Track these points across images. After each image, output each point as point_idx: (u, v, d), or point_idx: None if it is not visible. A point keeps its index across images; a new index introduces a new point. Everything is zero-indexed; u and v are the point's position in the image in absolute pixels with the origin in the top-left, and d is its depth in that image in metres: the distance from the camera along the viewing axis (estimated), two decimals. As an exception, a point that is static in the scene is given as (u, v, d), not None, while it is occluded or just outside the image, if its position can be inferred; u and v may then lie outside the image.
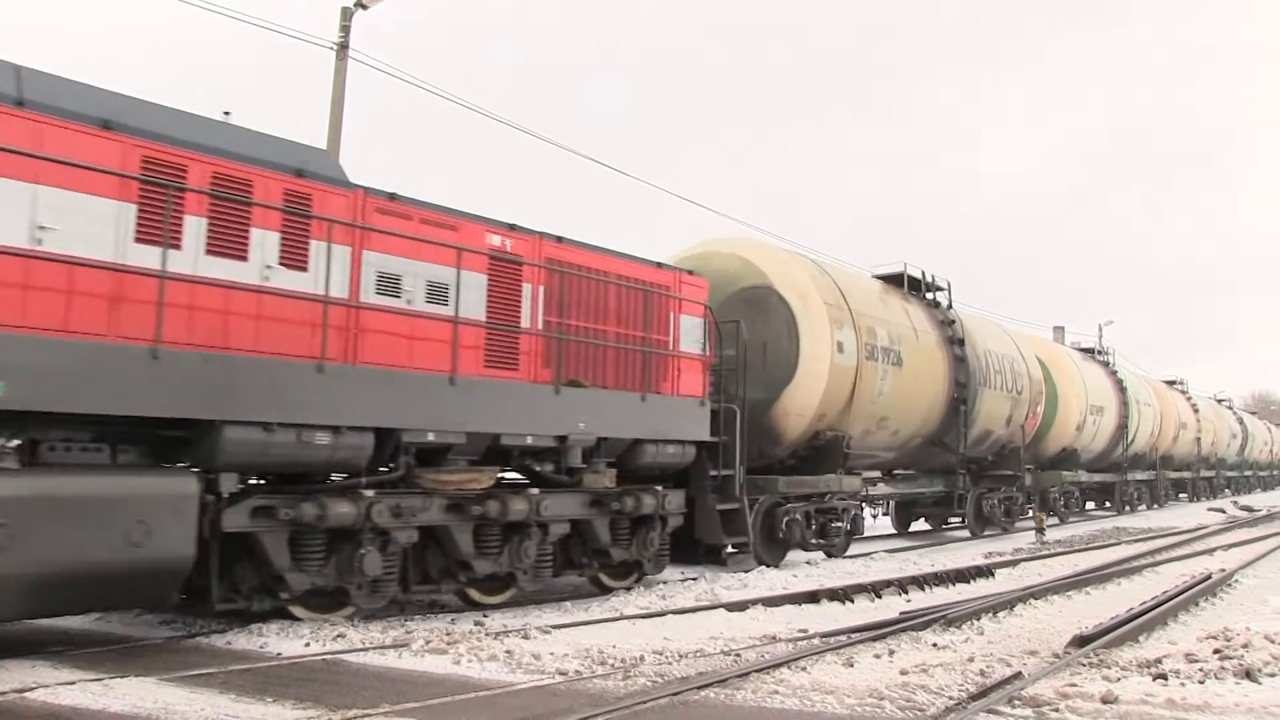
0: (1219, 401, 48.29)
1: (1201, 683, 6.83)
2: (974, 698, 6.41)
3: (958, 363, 19.15)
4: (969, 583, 12.74)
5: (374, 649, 7.86)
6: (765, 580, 12.43)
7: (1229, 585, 12.50)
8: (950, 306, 20.09)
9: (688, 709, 6.21)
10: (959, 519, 21.85)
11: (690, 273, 12.92)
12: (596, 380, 11.07)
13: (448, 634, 8.20)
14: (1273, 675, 7.01)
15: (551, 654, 7.57)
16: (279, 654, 7.71)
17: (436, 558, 9.82)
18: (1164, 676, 6.94)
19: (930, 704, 6.33)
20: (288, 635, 8.23)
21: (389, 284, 9.14)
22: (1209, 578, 12.31)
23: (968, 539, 20.91)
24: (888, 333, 16.92)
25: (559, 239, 10.90)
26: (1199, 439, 33.85)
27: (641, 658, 7.56)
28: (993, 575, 13.46)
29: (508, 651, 7.61)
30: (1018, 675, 7.08)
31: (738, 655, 7.82)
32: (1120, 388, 30.89)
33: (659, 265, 12.39)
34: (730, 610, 10.02)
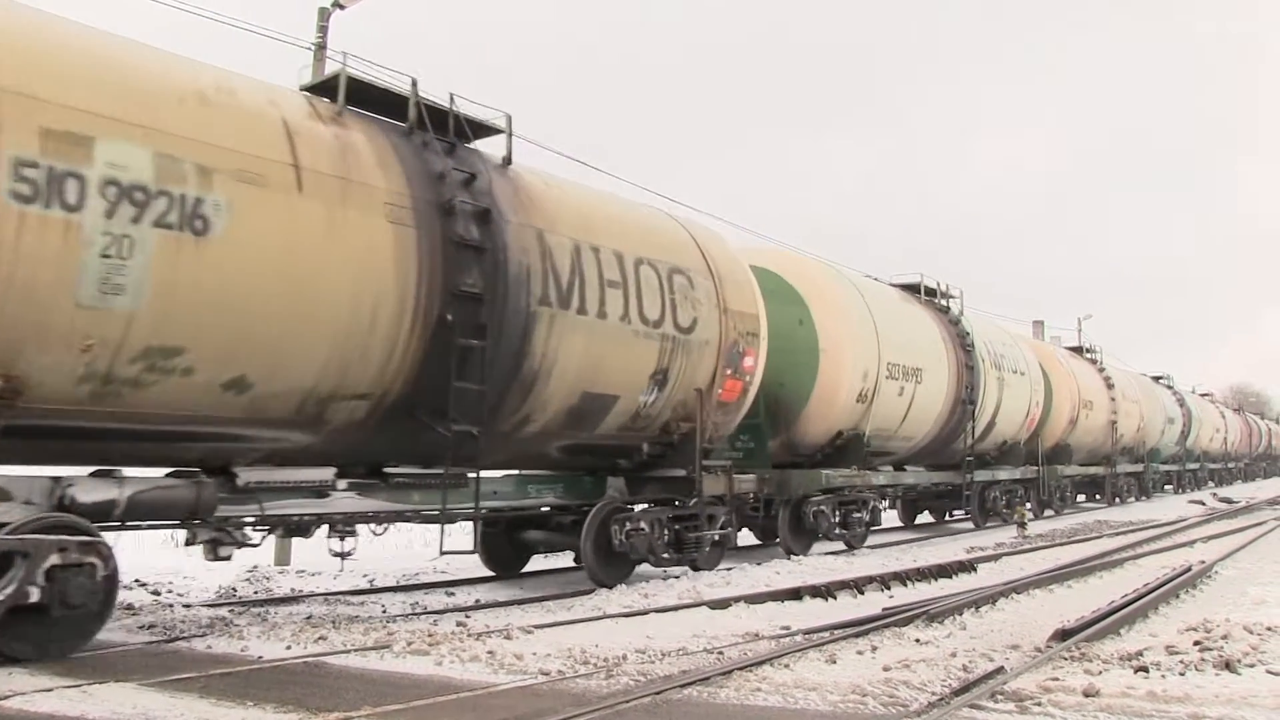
0: (1156, 379, 43.93)
1: (1182, 674, 6.86)
2: (957, 693, 6.41)
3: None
4: (951, 578, 12.76)
5: (356, 651, 7.82)
6: (748, 578, 12.44)
7: (1209, 577, 12.56)
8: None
9: (670, 708, 6.19)
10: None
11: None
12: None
13: (430, 635, 8.16)
14: (1252, 666, 7.04)
15: (534, 654, 7.54)
16: (260, 657, 7.66)
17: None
18: (1145, 669, 6.96)
19: (913, 699, 6.33)
20: (268, 638, 8.19)
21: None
22: (1189, 570, 12.37)
23: (971, 530, 22.59)
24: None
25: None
26: (1114, 422, 32.08)
27: (624, 656, 7.54)
28: (975, 570, 13.49)
29: (490, 652, 7.58)
30: (1000, 670, 7.08)
31: (720, 653, 7.81)
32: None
33: None
34: (713, 608, 10.01)
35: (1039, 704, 6.20)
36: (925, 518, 25.66)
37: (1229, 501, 32.97)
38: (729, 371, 13.06)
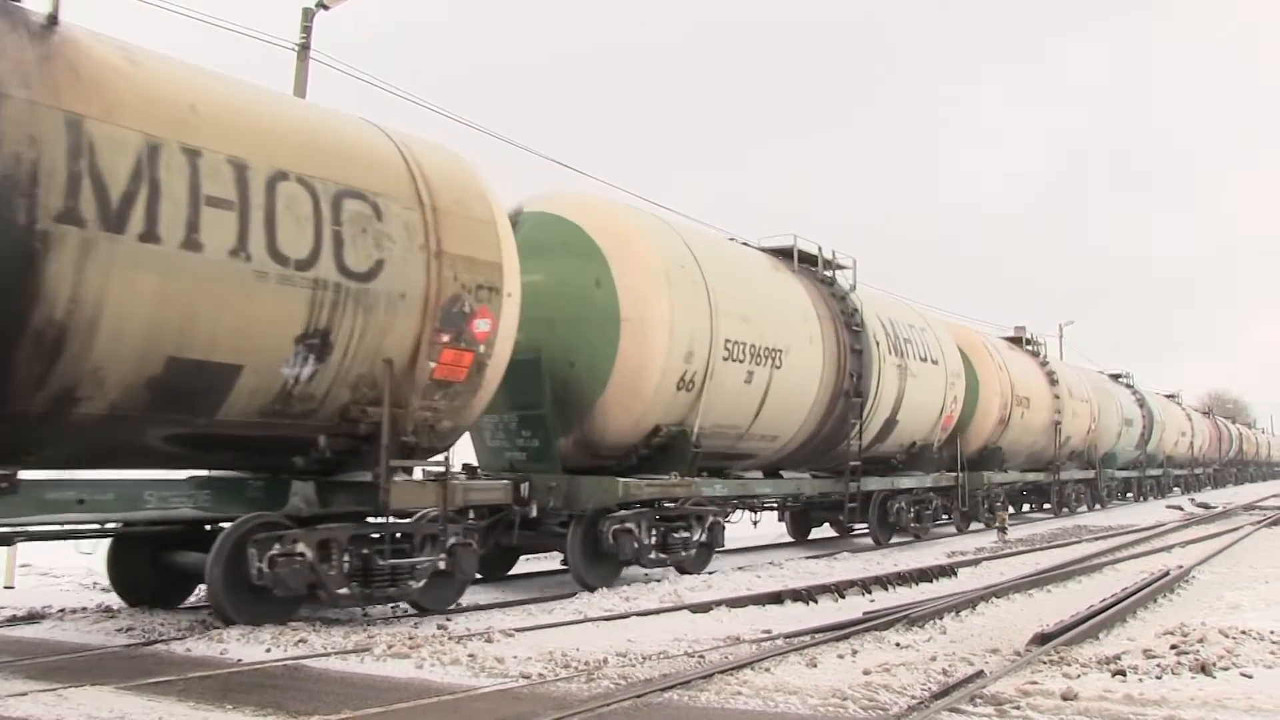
0: (1116, 378, 39.56)
1: (1159, 678, 6.91)
2: (936, 696, 6.45)
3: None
4: (932, 582, 12.81)
5: (336, 654, 7.80)
6: (729, 582, 12.46)
7: (1186, 581, 12.65)
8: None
9: (651, 711, 6.20)
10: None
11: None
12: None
13: (410, 638, 8.15)
14: (1226, 669, 7.11)
15: (515, 657, 7.54)
16: (239, 660, 7.63)
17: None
18: (1123, 673, 7.01)
19: (893, 703, 6.36)
20: (248, 641, 8.16)
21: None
22: (1167, 574, 12.45)
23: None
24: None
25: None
26: (1058, 423, 27.98)
27: (605, 660, 7.54)
28: (955, 574, 13.54)
29: (470, 655, 7.58)
30: (980, 674, 7.12)
31: (701, 657, 7.82)
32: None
33: None
34: (694, 612, 10.01)
35: (1017, 708, 6.24)
36: (828, 530, 20.94)
37: (1206, 507, 33.17)
38: (447, 338, 9.69)
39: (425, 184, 9.84)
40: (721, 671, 7.09)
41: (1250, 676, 6.94)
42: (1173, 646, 7.75)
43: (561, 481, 12.03)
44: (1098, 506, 32.90)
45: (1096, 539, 19.91)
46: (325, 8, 15.74)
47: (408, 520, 9.93)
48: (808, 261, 16.89)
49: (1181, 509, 32.38)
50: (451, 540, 9.97)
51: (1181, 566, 13.61)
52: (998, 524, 21.09)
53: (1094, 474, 32.42)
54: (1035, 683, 6.78)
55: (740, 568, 14.07)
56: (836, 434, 16.57)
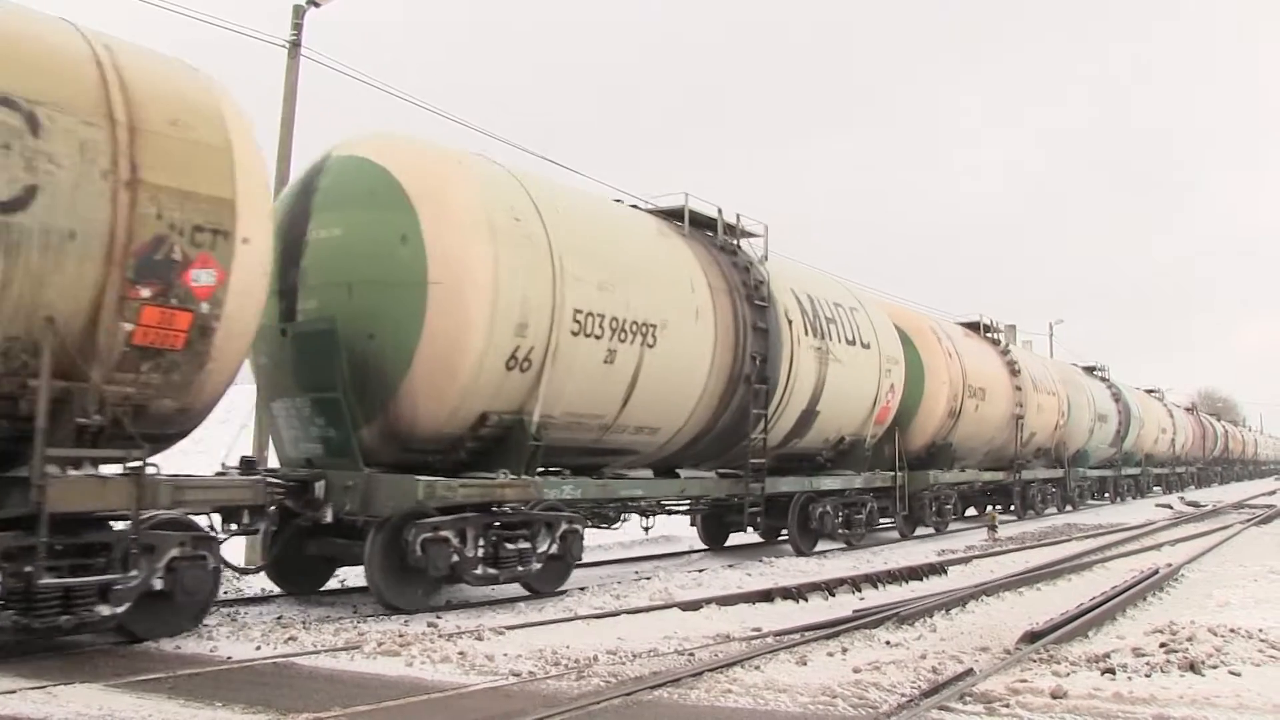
0: (1090, 370, 37.34)
1: (1148, 676, 6.94)
2: (926, 694, 6.46)
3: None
4: (922, 580, 12.84)
5: (326, 651, 7.78)
6: (719, 579, 12.46)
7: (1175, 580, 12.70)
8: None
9: (641, 709, 6.20)
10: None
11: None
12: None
13: (400, 636, 8.14)
14: (1215, 667, 7.14)
15: (505, 655, 7.54)
16: (229, 657, 7.62)
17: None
18: (1112, 671, 7.04)
19: (883, 701, 6.37)
20: (238, 638, 8.15)
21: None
22: (1156, 573, 12.50)
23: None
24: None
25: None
26: (1020, 417, 25.34)
27: (595, 658, 7.55)
28: (945, 573, 13.57)
29: (461, 653, 7.58)
30: (969, 672, 7.14)
31: (691, 654, 7.83)
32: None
33: None
34: (684, 609, 10.02)
35: (1007, 705, 6.26)
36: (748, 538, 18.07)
37: (1196, 505, 33.30)
38: (148, 293, 7.69)
39: (123, 95, 7.76)
40: (711, 669, 7.10)
41: (1239, 674, 6.97)
42: (1162, 645, 7.78)
43: (359, 480, 9.81)
44: (1068, 508, 30.73)
45: (1086, 537, 19.96)
46: (316, 5, 15.67)
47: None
48: (704, 226, 14.53)
49: (1171, 507, 32.52)
50: (173, 553, 8.05)
51: (1171, 565, 13.67)
52: (989, 522, 21.11)
53: (1063, 473, 30.29)
54: (1025, 681, 6.80)
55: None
56: (740, 426, 14.19)
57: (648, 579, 12.43)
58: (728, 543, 17.99)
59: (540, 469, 11.34)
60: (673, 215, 13.99)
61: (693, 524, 17.79)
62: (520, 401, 10.76)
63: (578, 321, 11.11)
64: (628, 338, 11.77)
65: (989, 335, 25.71)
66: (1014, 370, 25.30)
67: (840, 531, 17.37)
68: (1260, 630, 8.16)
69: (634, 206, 14.05)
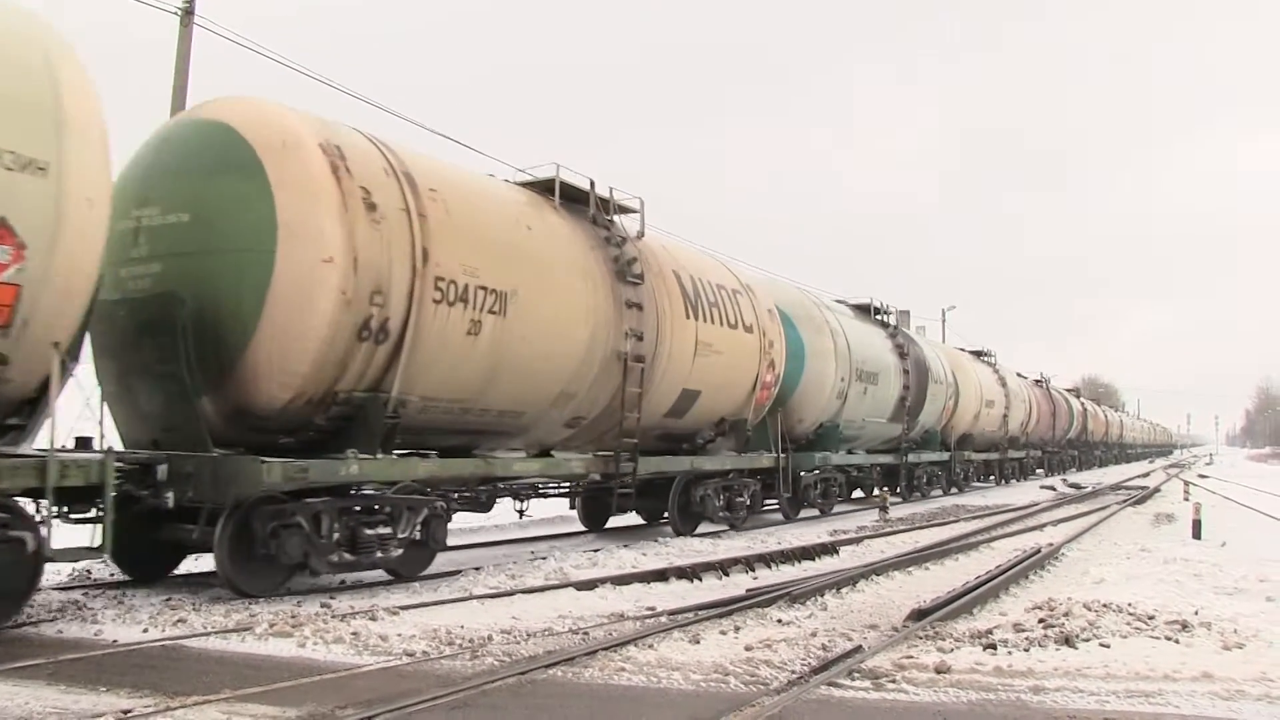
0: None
1: (1026, 650, 7.22)
2: (815, 671, 6.61)
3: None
4: (815, 560, 13.09)
5: (216, 633, 7.65)
6: (615, 559, 12.51)
7: (1056, 558, 13.16)
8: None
9: (535, 688, 6.23)
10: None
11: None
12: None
13: (293, 616, 8.04)
14: (1088, 640, 7.47)
15: (399, 635, 7.49)
16: (114, 641, 7.43)
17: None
18: (994, 646, 7.30)
19: (773, 678, 6.50)
20: (125, 621, 7.96)
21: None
22: (1038, 552, 12.96)
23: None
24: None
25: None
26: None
27: (489, 637, 7.55)
28: (837, 552, 13.84)
29: (354, 633, 7.51)
30: (858, 649, 7.32)
31: (585, 634, 7.87)
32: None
33: None
34: (579, 589, 10.05)
35: (894, 681, 6.45)
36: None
37: (1078, 487, 34.57)
38: None
39: None
40: (605, 648, 7.16)
41: (1108, 646, 7.32)
42: (1040, 620, 8.10)
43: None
44: (953, 490, 30.93)
45: (974, 518, 20.55)
46: (210, -30, 15.25)
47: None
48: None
49: (1054, 489, 33.76)
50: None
51: (1052, 544, 14.18)
52: (880, 503, 21.54)
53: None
54: (911, 657, 7.01)
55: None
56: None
57: (543, 559, 12.43)
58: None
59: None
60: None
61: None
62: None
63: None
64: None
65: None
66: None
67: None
68: (1130, 604, 8.55)
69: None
